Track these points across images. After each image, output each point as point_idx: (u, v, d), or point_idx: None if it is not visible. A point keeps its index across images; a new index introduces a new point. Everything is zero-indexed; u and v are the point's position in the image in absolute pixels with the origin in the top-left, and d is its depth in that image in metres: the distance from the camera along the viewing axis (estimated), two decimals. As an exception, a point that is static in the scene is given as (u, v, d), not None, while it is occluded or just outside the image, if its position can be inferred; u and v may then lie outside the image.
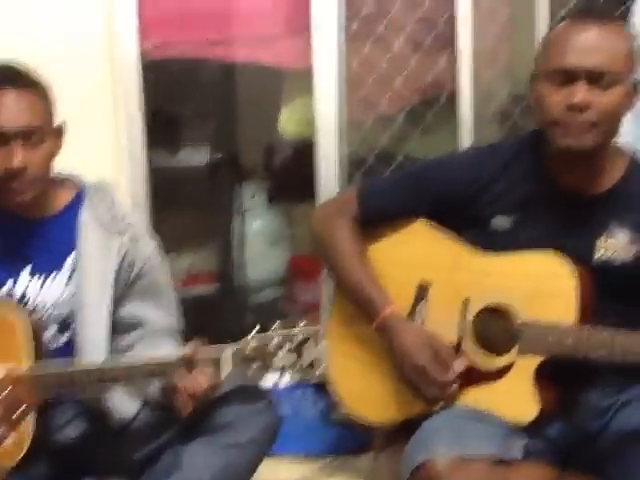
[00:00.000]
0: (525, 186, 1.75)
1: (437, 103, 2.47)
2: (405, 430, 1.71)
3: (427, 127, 2.48)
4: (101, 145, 2.41)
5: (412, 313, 1.79)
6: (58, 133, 1.76)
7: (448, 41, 2.40)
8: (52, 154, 1.74)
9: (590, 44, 1.61)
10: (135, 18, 2.40)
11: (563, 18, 1.74)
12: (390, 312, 1.76)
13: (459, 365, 1.70)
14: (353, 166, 2.48)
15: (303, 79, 2.44)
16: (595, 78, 1.60)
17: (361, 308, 1.81)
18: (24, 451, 1.55)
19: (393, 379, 1.79)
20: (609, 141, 1.69)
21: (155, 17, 2.45)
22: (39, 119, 1.68)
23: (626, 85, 1.63)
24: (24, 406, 1.30)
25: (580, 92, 1.60)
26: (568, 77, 1.61)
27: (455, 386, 1.70)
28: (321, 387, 2.30)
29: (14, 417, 1.29)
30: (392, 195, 1.86)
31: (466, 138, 2.41)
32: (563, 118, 1.62)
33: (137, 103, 2.45)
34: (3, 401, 1.28)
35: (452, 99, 2.42)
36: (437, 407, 1.71)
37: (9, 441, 1.28)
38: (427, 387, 1.71)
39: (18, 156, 1.64)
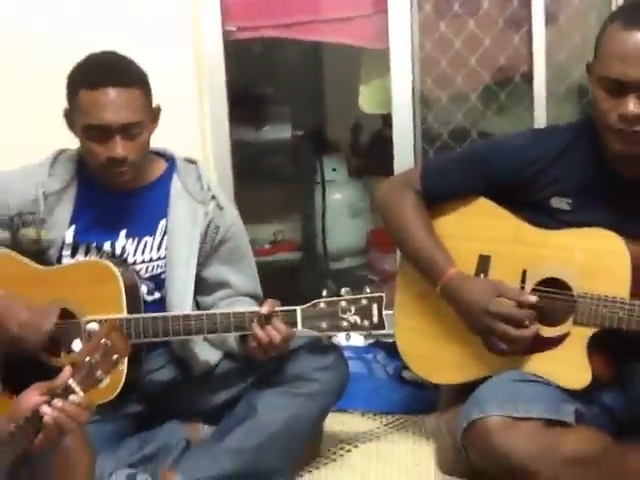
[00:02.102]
0: (583, 171, 1.78)
1: (511, 82, 2.51)
2: (466, 392, 1.79)
3: (501, 105, 2.52)
4: (188, 122, 2.50)
5: (474, 282, 1.85)
6: (154, 117, 1.88)
7: (522, 21, 2.43)
8: (149, 138, 1.87)
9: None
10: (218, 1, 2.50)
11: (617, 14, 1.71)
12: (454, 272, 1.81)
13: (532, 298, 1.74)
14: (428, 142, 2.54)
15: (381, 58, 2.52)
16: None
17: (425, 272, 1.87)
18: (117, 391, 1.72)
19: (456, 343, 1.88)
20: None
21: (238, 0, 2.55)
22: (138, 114, 1.80)
23: None
24: (119, 352, 1.41)
25: (631, 104, 1.60)
26: (620, 87, 1.61)
27: (528, 331, 1.73)
28: (392, 348, 2.42)
29: (110, 362, 1.40)
30: (453, 174, 1.91)
31: (540, 116, 2.44)
32: (616, 125, 1.64)
33: (221, 82, 2.55)
34: (102, 346, 1.39)
35: (526, 78, 2.46)
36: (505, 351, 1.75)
37: (104, 384, 1.39)
38: (502, 333, 1.73)
39: (119, 148, 1.78)
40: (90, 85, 1.76)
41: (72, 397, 1.35)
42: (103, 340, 1.40)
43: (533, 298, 1.75)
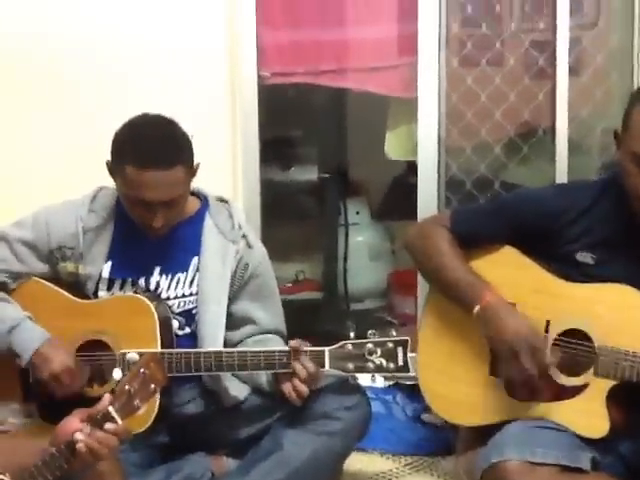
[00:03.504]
0: (608, 226, 1.82)
1: (534, 135, 2.57)
2: (485, 435, 1.82)
3: (524, 157, 2.58)
4: (221, 161, 2.60)
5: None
6: (194, 174, 1.91)
7: (546, 77, 2.51)
8: (187, 196, 1.91)
9: None
10: (254, 47, 2.60)
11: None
12: (495, 296, 1.83)
13: (550, 359, 1.78)
14: (452, 190, 2.60)
15: (408, 107, 2.60)
16: None
17: (462, 297, 1.87)
18: (151, 421, 1.78)
19: (478, 385, 1.91)
20: None
21: (273, 46, 2.64)
22: (180, 189, 1.84)
23: None
24: (156, 382, 1.47)
25: None
26: None
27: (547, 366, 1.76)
28: (411, 391, 2.47)
29: (148, 391, 1.45)
30: (483, 222, 1.96)
31: (562, 168, 2.50)
32: None
33: (254, 124, 2.64)
34: (141, 376, 1.45)
35: (549, 131, 2.53)
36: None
37: (141, 412, 1.44)
38: (526, 361, 1.76)
39: (159, 220, 1.83)
40: (137, 165, 1.79)
41: (108, 425, 1.40)
42: (142, 370, 1.46)
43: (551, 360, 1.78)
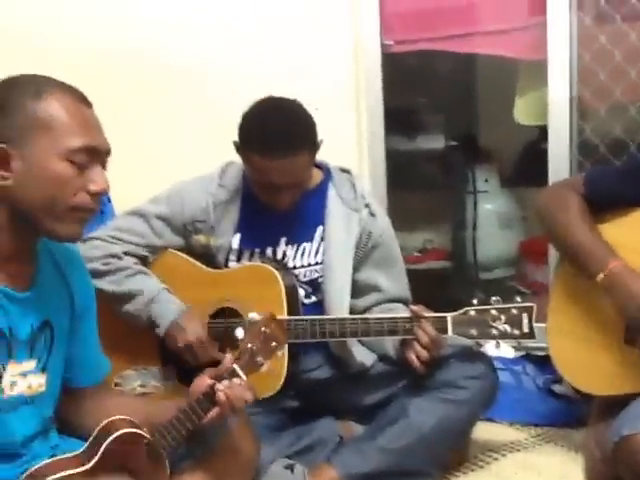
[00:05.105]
0: None
1: (673, 95, 2.43)
2: (619, 406, 1.77)
3: (662, 118, 2.45)
4: (346, 132, 2.61)
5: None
6: (317, 150, 1.93)
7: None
8: (312, 173, 1.96)
9: None
10: (377, 16, 2.59)
11: None
12: (620, 263, 1.79)
13: None
14: (584, 154, 2.51)
15: (538, 70, 2.52)
16: None
17: (588, 263, 1.83)
18: (280, 385, 1.85)
19: (612, 353, 1.85)
20: None
21: (396, 14, 2.62)
22: (305, 172, 1.90)
23: None
24: (278, 340, 1.51)
25: None
26: None
27: None
28: (542, 362, 2.42)
29: (270, 348, 1.50)
30: (618, 183, 1.89)
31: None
32: None
33: (378, 95, 2.64)
34: (262, 334, 1.50)
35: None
36: None
37: (265, 368, 1.50)
38: None
39: (285, 200, 1.90)
40: (263, 154, 1.84)
41: (236, 380, 1.47)
42: (263, 328, 1.52)
43: None
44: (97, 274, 1.89)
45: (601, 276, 1.80)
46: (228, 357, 1.51)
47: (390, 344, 1.96)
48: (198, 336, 1.89)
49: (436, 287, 3.05)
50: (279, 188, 1.88)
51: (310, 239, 2.03)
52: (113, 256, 1.96)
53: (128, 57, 2.66)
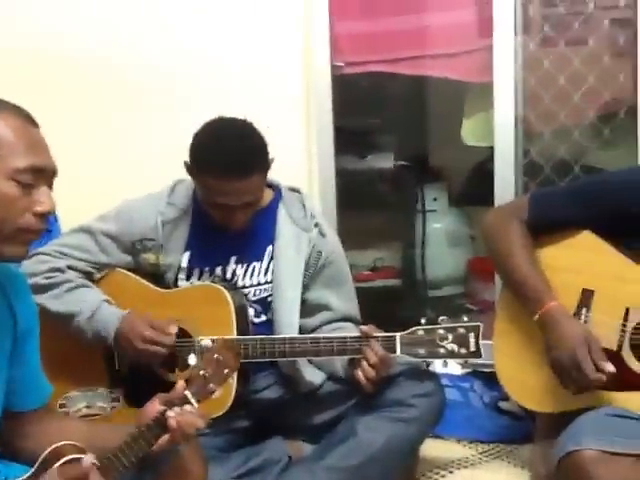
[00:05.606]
0: None
1: (616, 117, 2.49)
2: (564, 422, 1.77)
3: (605, 140, 2.51)
4: (295, 151, 2.61)
5: (576, 315, 1.87)
6: (269, 170, 1.94)
7: (628, 56, 2.42)
8: (263, 192, 1.96)
9: None
10: (327, 37, 2.61)
11: None
12: (556, 305, 1.82)
13: (610, 367, 1.74)
14: (530, 174, 2.55)
15: (485, 92, 2.56)
16: None
17: (526, 300, 1.88)
18: (228, 406, 1.84)
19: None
20: None
21: (347, 36, 2.65)
22: (257, 192, 1.91)
23: None
24: (230, 367, 1.50)
25: None
26: None
27: (601, 376, 1.73)
28: (489, 379, 2.45)
29: (222, 375, 1.49)
30: (562, 205, 1.92)
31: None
32: None
33: (328, 114, 2.66)
34: (215, 361, 1.49)
35: (631, 113, 2.43)
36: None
37: (217, 394, 1.49)
38: (577, 378, 1.76)
39: (238, 220, 1.91)
40: (216, 177, 1.85)
41: (187, 407, 1.46)
42: (216, 355, 1.51)
43: (611, 368, 1.73)
44: (39, 289, 1.87)
45: (537, 316, 1.84)
46: (181, 383, 1.49)
47: (339, 363, 1.96)
48: (145, 336, 1.86)
49: (387, 304, 3.07)
50: (233, 209, 1.88)
51: (260, 258, 2.03)
52: (56, 270, 1.94)
53: (73, 69, 2.64)
